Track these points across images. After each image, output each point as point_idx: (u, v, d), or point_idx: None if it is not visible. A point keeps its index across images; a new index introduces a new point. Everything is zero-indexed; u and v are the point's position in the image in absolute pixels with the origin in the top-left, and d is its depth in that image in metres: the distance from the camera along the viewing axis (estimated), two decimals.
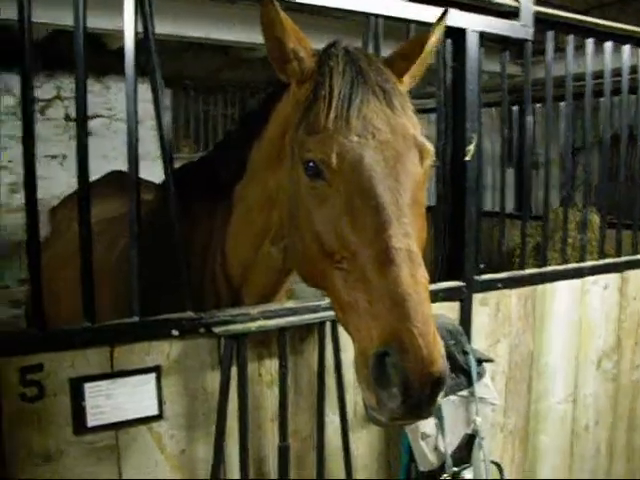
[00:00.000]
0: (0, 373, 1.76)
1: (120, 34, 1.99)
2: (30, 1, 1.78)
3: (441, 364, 1.38)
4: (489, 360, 2.46)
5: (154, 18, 1.98)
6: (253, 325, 2.01)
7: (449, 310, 2.48)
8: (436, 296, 2.43)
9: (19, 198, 5.90)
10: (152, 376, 1.95)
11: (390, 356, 1.38)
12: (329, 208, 1.64)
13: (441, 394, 1.41)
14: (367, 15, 2.25)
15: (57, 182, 5.92)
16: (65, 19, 3.96)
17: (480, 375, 2.38)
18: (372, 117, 1.66)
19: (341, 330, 2.18)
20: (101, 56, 5.74)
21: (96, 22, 3.95)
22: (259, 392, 2.13)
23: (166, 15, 4.22)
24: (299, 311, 2.11)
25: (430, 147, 1.71)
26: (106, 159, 5.90)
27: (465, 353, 2.34)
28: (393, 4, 2.31)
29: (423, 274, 1.50)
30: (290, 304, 2.12)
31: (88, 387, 1.86)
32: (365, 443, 2.37)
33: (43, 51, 5.71)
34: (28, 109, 1.81)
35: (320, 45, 1.87)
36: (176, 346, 1.98)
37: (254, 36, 4.63)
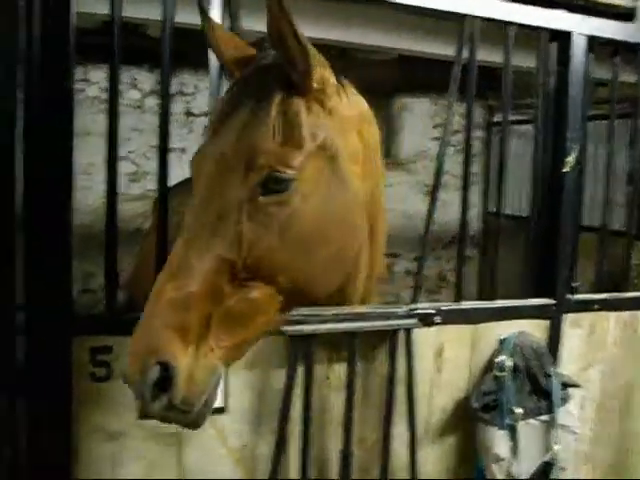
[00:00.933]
0: (73, 351, 1.83)
1: None
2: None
3: (132, 374, 1.43)
4: (575, 385, 2.29)
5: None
6: (323, 327, 1.97)
7: (536, 328, 2.33)
8: (523, 313, 2.31)
9: (138, 187, 6.16)
10: None
11: None
12: None
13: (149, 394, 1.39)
14: (464, 16, 2.16)
15: (174, 174, 6.16)
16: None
17: (564, 400, 2.23)
18: (221, 133, 1.62)
19: (416, 340, 2.12)
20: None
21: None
22: (326, 395, 2.09)
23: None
24: (372, 317, 2.05)
25: (261, 163, 1.54)
26: None
27: (547, 375, 2.20)
28: (495, 5, 2.20)
29: (187, 287, 1.46)
30: (364, 309, 2.06)
31: None
32: (435, 459, 2.27)
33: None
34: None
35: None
36: None
37: (374, 38, 4.59)
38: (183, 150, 6.37)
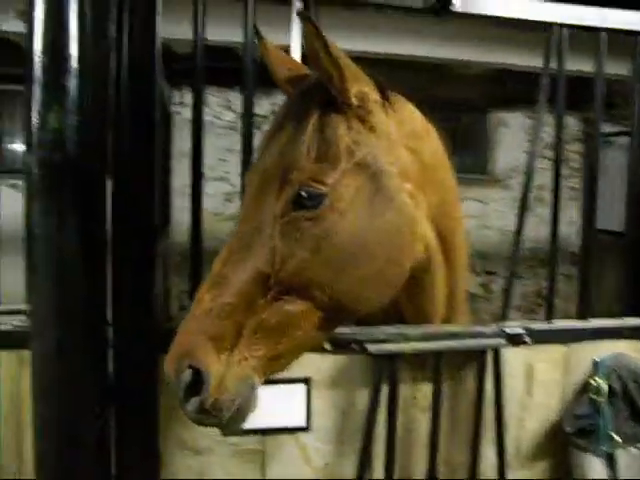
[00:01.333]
0: (160, 368, 1.86)
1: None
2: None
3: (169, 374, 1.49)
4: None
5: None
6: (407, 346, 1.92)
7: (635, 350, 2.20)
8: (620, 333, 2.18)
9: (232, 207, 6.26)
10: (302, 387, 1.95)
11: None
12: None
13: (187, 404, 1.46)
14: (550, 25, 2.06)
15: None
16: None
17: None
18: (267, 153, 1.66)
19: (505, 360, 2.04)
20: None
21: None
22: (412, 416, 2.04)
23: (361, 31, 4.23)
24: (459, 335, 1.99)
25: (296, 179, 1.56)
26: None
27: None
28: (588, 12, 2.09)
29: (224, 297, 1.51)
30: (450, 328, 2.00)
31: None
32: None
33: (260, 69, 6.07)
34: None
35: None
36: (328, 360, 1.96)
37: (468, 53, 4.52)
38: None
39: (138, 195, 1.79)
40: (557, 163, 2.16)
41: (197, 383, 1.45)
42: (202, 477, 1.94)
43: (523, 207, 2.11)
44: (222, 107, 6.37)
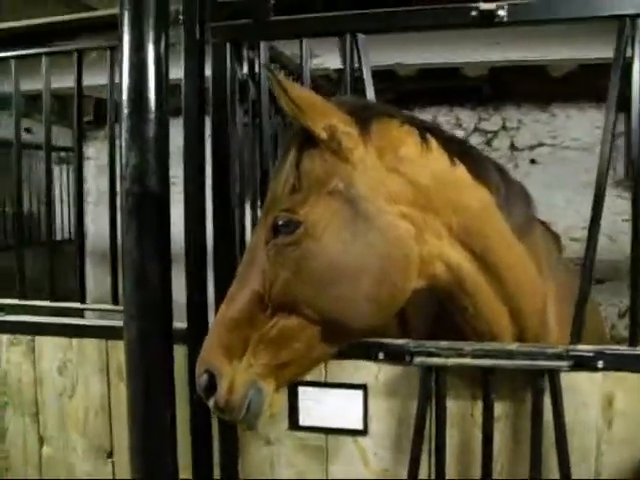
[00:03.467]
0: None
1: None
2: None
3: (197, 375, 1.82)
4: None
5: None
6: (451, 361, 1.95)
7: None
8: None
9: None
10: (359, 393, 2.08)
11: None
12: None
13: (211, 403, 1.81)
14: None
15: None
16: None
17: None
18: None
19: (578, 386, 1.93)
20: (545, 84, 5.85)
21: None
22: (469, 433, 2.03)
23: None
24: (516, 354, 1.93)
25: (273, 208, 1.80)
26: (549, 188, 5.92)
27: None
28: None
29: (226, 313, 1.81)
30: (510, 346, 1.96)
31: (302, 390, 2.11)
32: None
33: (490, 85, 6.14)
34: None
35: None
36: (385, 369, 2.07)
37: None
38: None
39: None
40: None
41: (212, 386, 1.79)
42: (272, 467, 2.19)
43: (594, 215, 1.96)
44: (452, 125, 6.51)
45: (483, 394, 1.96)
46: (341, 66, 2.27)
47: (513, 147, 6.65)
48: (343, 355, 2.05)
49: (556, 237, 3.04)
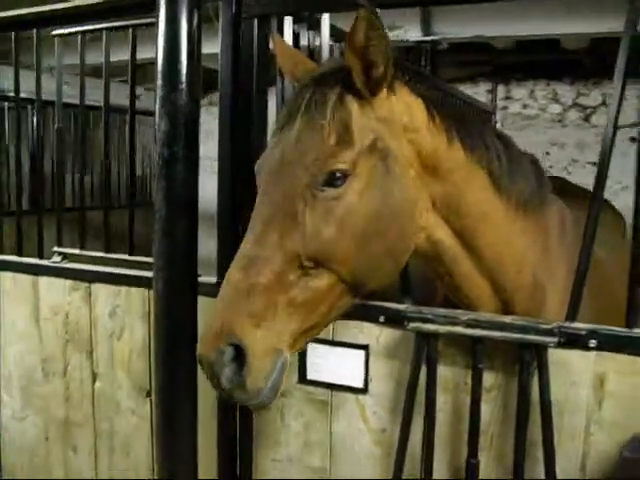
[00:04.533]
0: None
1: None
2: None
3: (206, 353, 1.66)
4: None
5: None
6: (443, 328, 2.00)
7: None
8: None
9: None
10: (361, 353, 2.19)
11: None
12: None
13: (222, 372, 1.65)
14: None
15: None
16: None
17: None
18: (284, 137, 1.80)
19: (569, 364, 1.93)
20: None
21: None
22: (463, 401, 2.08)
23: None
24: (508, 327, 1.95)
25: (323, 160, 1.71)
26: None
27: None
28: None
29: (256, 276, 1.67)
30: (505, 318, 1.98)
31: (310, 347, 2.25)
32: None
33: (590, 58, 5.90)
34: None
35: None
36: (386, 332, 2.16)
37: None
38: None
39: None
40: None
41: (236, 359, 1.65)
42: (282, 417, 2.34)
43: (594, 197, 1.94)
44: (548, 100, 6.30)
45: (472, 363, 2.01)
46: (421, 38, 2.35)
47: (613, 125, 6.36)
48: (348, 316, 2.17)
49: (617, 216, 2.97)
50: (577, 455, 1.98)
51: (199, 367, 1.76)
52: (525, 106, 6.44)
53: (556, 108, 6.45)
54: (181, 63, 2.16)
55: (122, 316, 2.65)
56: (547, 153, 6.33)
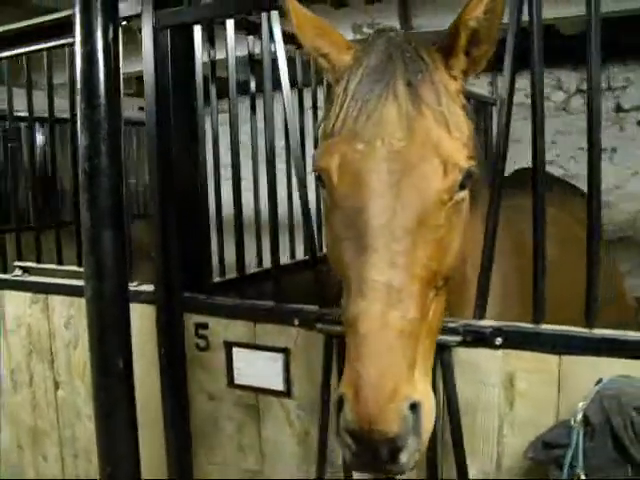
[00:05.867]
0: (184, 325, 2.37)
1: None
2: None
3: (389, 424, 1.24)
4: None
5: None
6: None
7: None
8: (633, 351, 1.71)
9: None
10: (280, 356, 2.19)
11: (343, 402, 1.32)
12: (330, 224, 1.54)
13: (406, 455, 1.27)
14: None
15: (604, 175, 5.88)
16: None
17: None
18: (387, 119, 1.45)
19: (477, 363, 1.88)
20: None
21: None
22: None
23: None
24: None
25: (459, 157, 1.43)
26: None
27: None
28: None
29: (405, 314, 1.32)
30: None
31: (235, 351, 2.27)
32: None
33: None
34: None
35: None
36: (303, 335, 2.15)
37: None
38: (614, 150, 5.99)
39: None
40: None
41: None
42: (216, 421, 2.36)
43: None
44: (552, 87, 6.11)
45: None
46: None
47: (619, 108, 6.11)
48: (267, 320, 2.18)
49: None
50: (492, 455, 1.91)
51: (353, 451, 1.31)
52: (528, 95, 6.29)
53: (560, 96, 6.24)
54: (98, 80, 2.22)
55: (77, 326, 2.73)
56: (553, 142, 6.14)
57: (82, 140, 2.25)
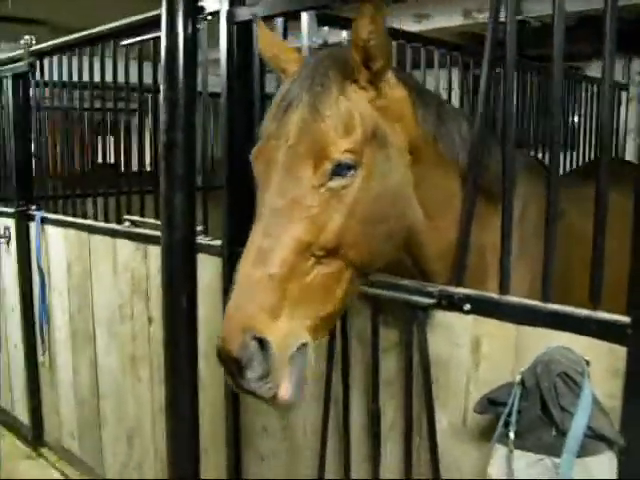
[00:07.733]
0: None
1: None
2: None
3: (232, 346, 1.64)
4: (613, 442, 1.69)
5: None
6: None
7: (606, 355, 1.78)
8: (580, 327, 1.83)
9: None
10: None
11: None
12: None
13: (252, 373, 1.66)
14: None
15: None
16: None
17: (590, 452, 1.69)
18: (289, 123, 1.84)
19: (452, 326, 2.10)
20: None
21: None
22: (368, 356, 2.34)
23: None
24: (400, 288, 2.16)
25: (331, 151, 1.78)
26: None
27: (564, 410, 1.73)
28: None
29: (267, 270, 1.71)
30: (398, 280, 2.19)
31: None
32: (474, 457, 2.09)
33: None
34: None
35: None
36: None
37: None
38: None
39: None
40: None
41: (258, 353, 1.64)
42: None
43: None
44: None
45: (371, 321, 2.27)
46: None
47: None
48: None
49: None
50: (460, 409, 2.13)
51: (219, 364, 1.73)
52: None
53: None
54: (178, 67, 2.68)
55: None
56: None
57: (162, 116, 2.71)
